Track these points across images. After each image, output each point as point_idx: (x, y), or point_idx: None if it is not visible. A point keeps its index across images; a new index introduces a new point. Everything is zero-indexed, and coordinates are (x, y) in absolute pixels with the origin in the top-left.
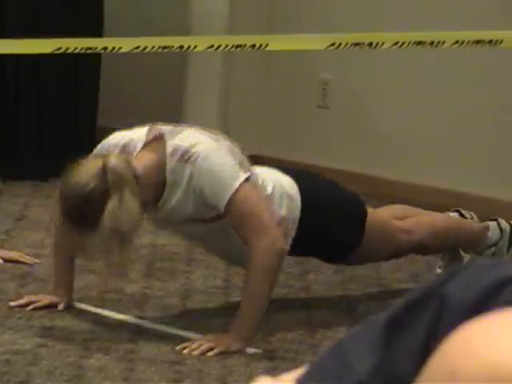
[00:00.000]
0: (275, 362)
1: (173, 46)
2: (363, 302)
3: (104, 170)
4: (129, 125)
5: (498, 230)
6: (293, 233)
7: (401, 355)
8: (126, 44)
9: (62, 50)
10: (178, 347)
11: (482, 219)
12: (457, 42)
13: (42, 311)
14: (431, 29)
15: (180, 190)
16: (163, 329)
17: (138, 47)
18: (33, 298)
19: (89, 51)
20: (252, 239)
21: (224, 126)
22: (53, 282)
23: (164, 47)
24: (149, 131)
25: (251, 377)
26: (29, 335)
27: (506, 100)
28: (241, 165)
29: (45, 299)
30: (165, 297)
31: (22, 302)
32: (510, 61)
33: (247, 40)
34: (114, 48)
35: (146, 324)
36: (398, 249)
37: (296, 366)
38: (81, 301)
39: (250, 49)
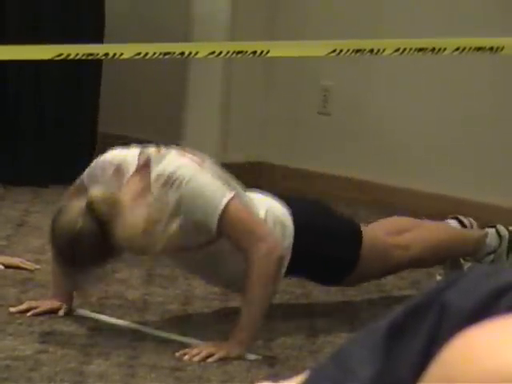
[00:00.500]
0: (276, 369)
1: (174, 53)
2: (364, 309)
3: (91, 205)
4: (129, 131)
5: (496, 237)
6: (287, 259)
7: (401, 362)
8: (127, 50)
9: (62, 56)
10: (178, 353)
11: (481, 226)
12: (458, 48)
13: (43, 317)
14: (432, 35)
15: (166, 217)
16: (163, 335)
17: (139, 53)
18: (33, 303)
19: (90, 57)
20: (249, 250)
21: (225, 132)
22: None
23: (165, 53)
24: (140, 155)
25: (252, 383)
26: (29, 341)
27: (508, 106)
28: (227, 184)
29: (45, 305)
30: (165, 303)
31: (22, 307)
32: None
33: (248, 46)
34: (115, 54)
35: (147, 330)
36: (394, 266)
37: (296, 372)
38: (81, 306)
39: (251, 55)
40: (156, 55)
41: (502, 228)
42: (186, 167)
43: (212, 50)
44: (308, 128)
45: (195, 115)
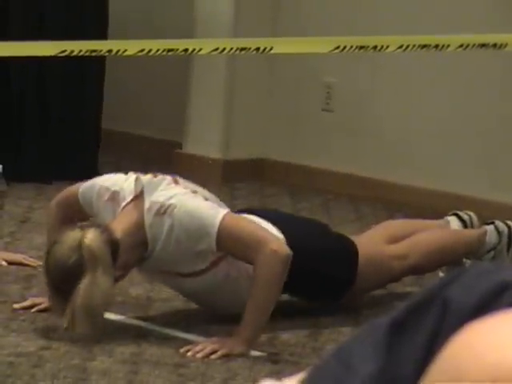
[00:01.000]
0: (279, 365)
1: (177, 49)
2: (367, 306)
3: (80, 246)
4: (132, 128)
5: (495, 233)
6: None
7: (404, 358)
8: (130, 47)
9: (66, 53)
10: (181, 350)
11: (482, 222)
12: (461, 45)
13: (46, 313)
14: (436, 32)
15: (160, 244)
16: (167, 331)
17: (142, 50)
18: (37, 300)
19: (93, 54)
20: (253, 256)
21: (228, 129)
22: None
23: (169, 50)
24: (136, 184)
25: (255, 380)
26: (32, 337)
27: (510, 103)
28: (219, 205)
29: (49, 301)
30: (169, 300)
31: (25, 304)
32: None
33: (252, 43)
34: (118, 51)
35: (150, 326)
36: (393, 276)
37: (300, 369)
38: None
39: (255, 52)
40: (159, 52)
41: (500, 224)
42: (178, 195)
43: (215, 47)
44: (311, 125)
45: (198, 112)
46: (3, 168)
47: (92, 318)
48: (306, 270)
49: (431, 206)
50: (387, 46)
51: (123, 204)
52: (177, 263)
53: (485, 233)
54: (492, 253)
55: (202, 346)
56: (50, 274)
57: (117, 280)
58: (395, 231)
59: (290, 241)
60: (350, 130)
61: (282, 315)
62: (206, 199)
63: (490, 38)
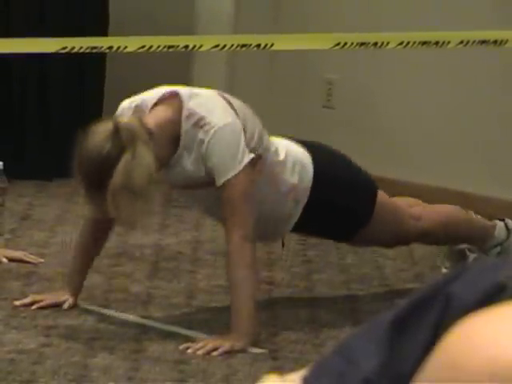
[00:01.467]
0: (280, 362)
1: (178, 46)
2: (368, 302)
3: (116, 129)
4: None
5: (504, 230)
6: (303, 201)
7: (406, 354)
8: (131, 43)
9: (67, 50)
10: (182, 347)
11: (486, 219)
12: (462, 42)
13: (47, 310)
14: (436, 29)
15: (191, 153)
16: (168, 328)
17: (143, 46)
18: (37, 297)
19: (94, 51)
20: (229, 226)
21: None
22: (59, 280)
23: (169, 46)
24: (165, 90)
25: (256, 377)
26: (33, 334)
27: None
28: (250, 141)
29: (49, 298)
30: (169, 296)
31: (26, 301)
32: None
33: (252, 39)
34: (119, 47)
35: (151, 323)
36: (405, 234)
37: (300, 366)
38: (85, 300)
39: (256, 48)
40: (160, 48)
41: (510, 222)
42: (219, 114)
43: (216, 43)
44: (312, 121)
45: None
46: (4, 165)
47: (136, 196)
48: (326, 194)
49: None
50: (388, 43)
51: (148, 110)
52: (197, 173)
53: (494, 226)
54: (498, 248)
55: (202, 343)
56: (83, 169)
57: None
58: (411, 201)
59: (316, 161)
60: (350, 127)
61: (282, 312)
62: (245, 126)
63: (490, 35)
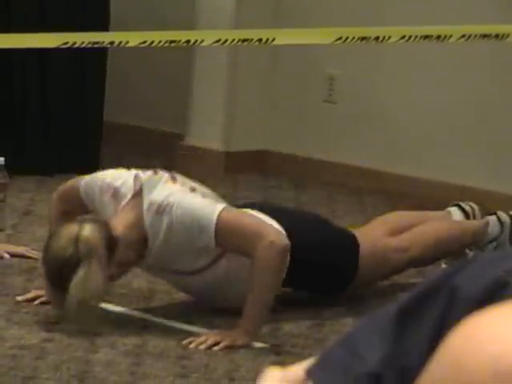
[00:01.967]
0: (282, 357)
1: (180, 41)
2: (370, 297)
3: (76, 240)
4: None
5: (497, 224)
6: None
7: (411, 347)
8: (132, 38)
9: (68, 45)
10: (184, 342)
11: (485, 213)
12: (463, 35)
13: (49, 306)
14: (438, 23)
15: (159, 242)
16: (170, 323)
17: (144, 41)
18: (39, 292)
19: (95, 46)
20: (252, 249)
21: (230, 121)
22: None
23: (171, 41)
24: (135, 181)
25: (258, 371)
26: (35, 330)
27: None
28: (217, 201)
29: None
30: (171, 292)
31: (28, 296)
32: None
33: (254, 34)
34: (120, 42)
35: (153, 318)
36: (394, 268)
37: (303, 361)
38: None
39: (257, 43)
40: (161, 43)
41: (503, 215)
42: (175, 194)
43: (217, 38)
44: (313, 116)
45: (200, 104)
46: (5, 160)
47: (86, 310)
48: (307, 262)
49: (434, 197)
50: (389, 37)
51: (123, 202)
52: (177, 261)
53: (487, 223)
54: (494, 243)
55: (204, 338)
56: (47, 267)
57: (117, 277)
58: (396, 223)
59: (290, 234)
60: (352, 122)
61: (284, 307)
62: (204, 196)
63: (491, 29)
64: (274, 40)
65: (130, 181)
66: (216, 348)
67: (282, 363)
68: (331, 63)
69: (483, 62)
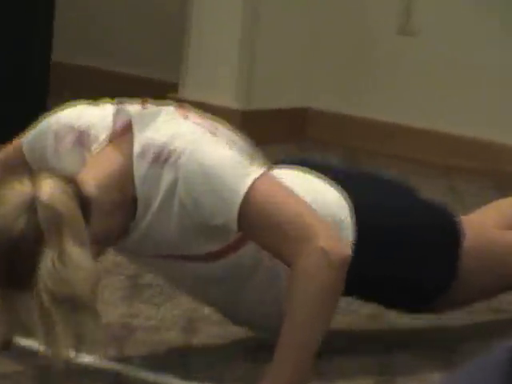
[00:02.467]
0: None
1: None
2: (463, 337)
3: (33, 204)
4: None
5: None
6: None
7: None
8: None
9: None
10: None
11: None
12: None
13: None
14: None
15: (154, 208)
16: (154, 378)
17: None
18: None
19: None
20: (291, 253)
21: (248, 68)
22: None
23: None
24: (116, 115)
25: None
26: None
27: None
28: (251, 159)
29: None
30: (158, 329)
31: None
32: None
33: None
34: None
35: (128, 370)
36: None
37: None
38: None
39: None
40: None
41: None
42: (186, 135)
43: None
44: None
45: (204, 42)
46: None
47: (75, 324)
48: (380, 258)
49: None
50: None
51: (94, 147)
52: (177, 240)
53: None
54: None
55: None
56: None
57: None
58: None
59: (359, 213)
60: (394, 77)
61: (336, 351)
62: (232, 146)
63: None
64: None
65: (106, 117)
66: None
67: None
68: None
69: None
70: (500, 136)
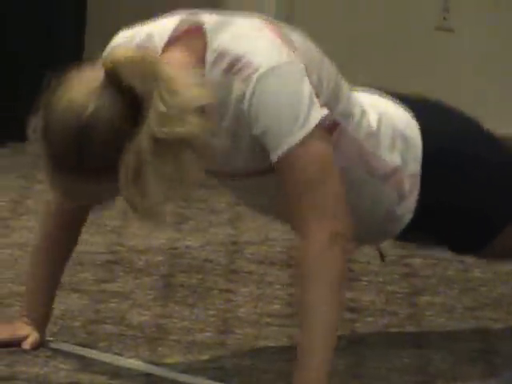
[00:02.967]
0: None
1: None
2: (507, 339)
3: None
4: None
5: None
6: (411, 197)
7: None
8: None
9: None
10: None
11: None
12: None
13: None
14: None
15: (224, 117)
16: (187, 380)
17: None
18: None
19: None
20: (304, 223)
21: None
22: (16, 304)
23: None
24: (180, 22)
25: None
26: None
27: None
28: (319, 87)
29: (3, 332)
30: (192, 331)
31: None
32: None
33: None
34: None
35: (161, 372)
36: None
37: None
38: (57, 336)
39: None
40: None
41: None
42: (264, 50)
43: None
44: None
45: None
46: None
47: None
48: (445, 184)
49: None
50: None
51: (160, 46)
52: (252, 151)
53: None
54: None
55: None
56: (53, 138)
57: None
58: None
59: (426, 134)
60: None
61: (370, 357)
62: (306, 67)
63: None
64: None
65: (167, 23)
66: None
67: None
68: None
69: None
70: None
